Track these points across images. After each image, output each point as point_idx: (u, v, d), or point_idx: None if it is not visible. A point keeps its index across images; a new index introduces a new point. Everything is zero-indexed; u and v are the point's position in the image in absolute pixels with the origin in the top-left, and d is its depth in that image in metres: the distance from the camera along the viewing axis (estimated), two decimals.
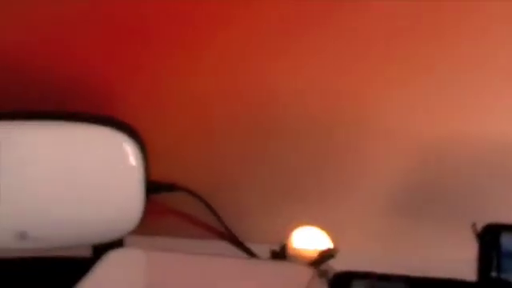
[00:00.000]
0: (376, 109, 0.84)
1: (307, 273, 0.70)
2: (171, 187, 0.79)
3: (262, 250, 0.80)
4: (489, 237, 0.73)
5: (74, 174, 0.74)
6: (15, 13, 0.85)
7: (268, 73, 0.84)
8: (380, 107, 0.84)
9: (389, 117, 0.84)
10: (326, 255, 0.78)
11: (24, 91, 0.86)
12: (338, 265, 0.77)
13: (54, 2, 0.83)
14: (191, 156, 0.88)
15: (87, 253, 0.78)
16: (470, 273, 0.72)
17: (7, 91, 0.86)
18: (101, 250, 0.75)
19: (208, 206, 0.80)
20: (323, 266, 0.77)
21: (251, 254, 0.81)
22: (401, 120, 0.84)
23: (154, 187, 0.77)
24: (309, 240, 0.81)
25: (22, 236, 0.74)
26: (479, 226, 0.72)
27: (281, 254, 0.79)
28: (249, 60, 0.83)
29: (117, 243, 0.76)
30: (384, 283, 0.74)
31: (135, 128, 0.75)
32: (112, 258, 0.70)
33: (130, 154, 0.75)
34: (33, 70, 0.87)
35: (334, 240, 0.80)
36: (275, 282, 0.69)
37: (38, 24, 0.84)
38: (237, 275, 0.69)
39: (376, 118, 0.84)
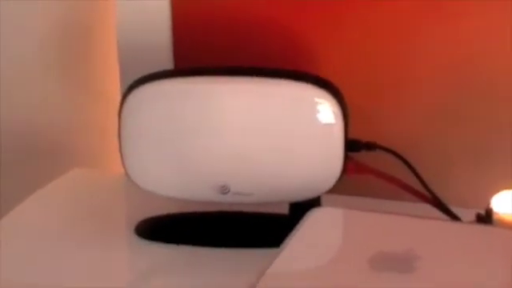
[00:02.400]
0: None
1: None
2: (371, 146, 0.78)
3: (468, 214, 0.79)
4: None
5: (275, 132, 0.76)
6: None
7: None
8: None
9: None
10: None
11: (233, 48, 0.91)
12: None
13: None
14: (390, 115, 0.88)
15: (282, 210, 0.80)
16: None
17: (219, 48, 0.91)
18: (297, 207, 0.77)
19: (410, 166, 0.79)
20: None
21: (455, 217, 0.80)
22: None
23: (353, 145, 0.77)
24: None
25: (224, 190, 0.77)
26: None
27: (487, 218, 0.78)
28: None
29: (314, 202, 0.77)
30: None
31: (337, 87, 0.76)
32: (315, 216, 0.71)
33: (332, 111, 0.75)
34: (245, 28, 0.90)
35: None
36: (479, 245, 0.69)
37: None
38: (438, 237, 0.69)
39: None
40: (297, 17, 0.90)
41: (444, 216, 0.80)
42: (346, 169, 0.76)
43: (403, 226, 0.68)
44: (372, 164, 0.79)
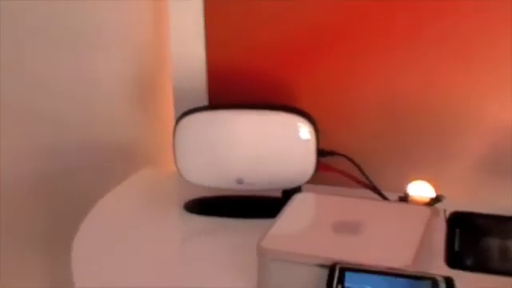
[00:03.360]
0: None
1: (426, 211, 0.82)
2: (332, 153, 0.96)
3: (393, 196, 0.93)
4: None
5: (273, 144, 0.92)
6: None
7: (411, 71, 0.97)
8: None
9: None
10: (435, 200, 0.92)
11: (244, 91, 1.04)
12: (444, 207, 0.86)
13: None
14: (344, 132, 1.01)
15: (277, 194, 0.96)
16: None
17: (236, 91, 1.04)
18: (287, 193, 0.94)
19: (356, 165, 0.96)
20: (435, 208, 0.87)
21: (385, 198, 0.95)
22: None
23: (321, 153, 0.95)
24: (421, 190, 0.95)
25: (240, 181, 0.95)
26: None
27: (405, 199, 0.93)
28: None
29: (297, 189, 0.95)
30: (498, 220, 0.80)
31: (311, 115, 0.94)
32: (298, 198, 0.87)
33: (308, 131, 0.92)
34: (252, 78, 1.03)
35: (438, 191, 0.93)
36: (400, 215, 0.81)
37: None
38: (375, 211, 0.82)
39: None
40: (283, 69, 1.02)
41: (378, 197, 0.95)
42: (317, 168, 0.94)
43: (354, 204, 0.85)
44: (333, 164, 0.96)
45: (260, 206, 0.97)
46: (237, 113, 0.95)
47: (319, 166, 0.95)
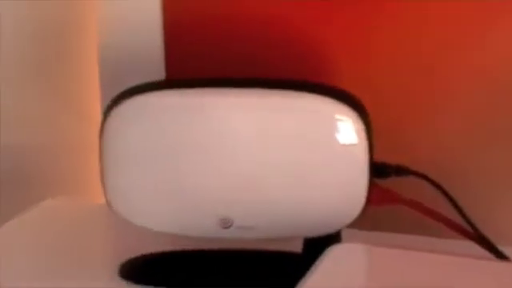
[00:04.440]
0: None
1: None
2: (402, 170, 0.71)
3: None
4: None
5: (287, 154, 0.69)
6: None
7: None
8: None
9: None
10: None
11: (237, 56, 0.87)
12: None
13: None
14: (421, 136, 0.83)
15: (295, 247, 0.75)
16: None
17: (220, 56, 0.88)
18: (313, 244, 0.71)
19: (447, 195, 0.71)
20: None
21: (502, 256, 0.73)
22: None
23: (380, 170, 0.70)
24: None
25: (226, 224, 0.71)
26: None
27: None
28: None
29: (333, 237, 0.70)
30: None
31: (361, 101, 0.69)
32: (335, 254, 0.66)
33: (354, 129, 0.68)
34: (251, 32, 0.87)
35: None
36: None
37: None
38: (482, 280, 0.63)
39: None
40: (313, 18, 0.85)
41: (489, 255, 0.74)
42: (371, 198, 0.70)
43: (440, 267, 0.65)
44: (403, 193, 0.72)
45: (262, 269, 0.76)
46: (218, 95, 0.67)
47: (375, 193, 0.69)
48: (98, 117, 0.76)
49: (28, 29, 0.99)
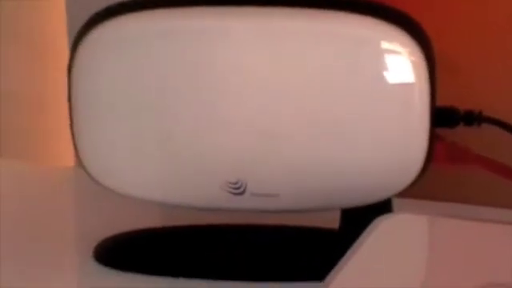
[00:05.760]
0: None
1: None
2: (475, 117, 0.63)
3: None
4: None
5: (316, 94, 0.61)
6: None
7: None
8: None
9: None
10: None
11: None
12: None
13: None
14: (498, 72, 0.75)
15: (329, 223, 0.67)
16: None
17: None
18: (354, 217, 0.64)
19: None
20: None
21: None
22: None
23: (446, 116, 0.62)
24: None
25: (237, 190, 0.63)
26: None
27: None
28: None
29: (382, 208, 0.62)
30: None
31: (421, 26, 0.61)
32: (385, 227, 0.59)
33: (412, 63, 0.59)
34: None
35: None
36: None
37: None
38: None
39: None
40: None
41: None
42: (432, 154, 0.61)
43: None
44: (475, 148, 0.65)
45: (286, 251, 0.68)
46: (227, 15, 0.60)
47: (439, 149, 0.63)
48: (65, 56, 0.67)
49: None
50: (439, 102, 0.61)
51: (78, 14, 0.68)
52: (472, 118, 0.63)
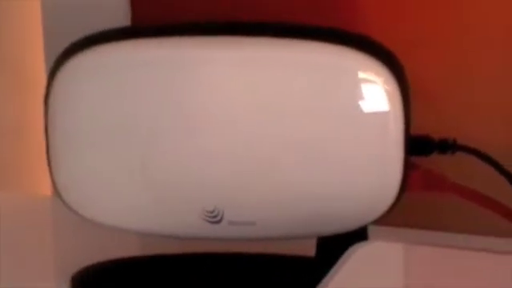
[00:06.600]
0: None
1: None
2: (449, 145, 0.64)
3: None
4: None
5: (294, 123, 0.62)
6: None
7: None
8: None
9: None
10: None
11: None
12: None
13: None
14: (473, 101, 0.77)
15: (305, 250, 0.68)
16: None
17: None
18: (329, 245, 0.65)
19: (509, 176, 0.65)
20: None
21: None
22: None
23: (420, 145, 0.63)
24: None
25: (214, 219, 0.63)
26: None
27: None
28: None
29: (356, 236, 0.64)
30: None
31: (395, 56, 0.62)
32: (361, 254, 0.60)
33: (386, 92, 0.60)
34: None
35: None
36: None
37: None
38: None
39: None
40: None
41: None
42: (408, 182, 0.62)
43: (496, 269, 0.61)
44: (449, 175, 0.65)
45: (262, 279, 0.69)
46: (206, 45, 0.61)
47: (414, 176, 0.64)
48: (42, 78, 0.69)
49: None
50: (414, 131, 0.62)
51: (56, 43, 0.68)
52: (446, 147, 0.64)
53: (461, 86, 0.79)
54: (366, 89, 0.61)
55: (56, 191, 0.64)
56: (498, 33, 0.78)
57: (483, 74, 0.78)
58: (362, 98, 0.61)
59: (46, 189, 0.76)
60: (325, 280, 0.57)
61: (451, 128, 0.70)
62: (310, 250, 0.66)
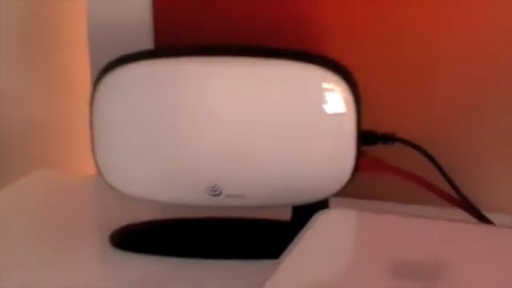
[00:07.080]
0: None
1: None
2: (389, 138, 0.73)
3: (504, 220, 0.74)
4: None
5: (274, 123, 0.73)
6: None
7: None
8: None
9: None
10: None
11: (225, 24, 0.89)
12: None
13: None
14: (410, 103, 0.84)
15: (283, 215, 0.77)
16: None
17: (209, 24, 0.88)
18: (301, 212, 0.73)
19: (435, 162, 0.73)
20: None
21: (488, 222, 0.75)
22: None
23: (367, 138, 0.73)
24: None
25: (215, 192, 0.73)
26: None
27: None
28: None
29: (321, 205, 0.73)
30: None
31: (348, 69, 0.72)
32: (323, 220, 0.67)
33: (342, 98, 0.72)
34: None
35: None
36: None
37: None
38: (468, 242, 0.66)
39: None
40: None
41: (473, 220, 0.75)
42: (359, 166, 0.71)
43: (427, 230, 0.62)
44: (390, 161, 0.74)
45: (251, 236, 0.76)
46: (205, 63, 0.70)
47: (363, 161, 0.70)
48: (88, 87, 0.77)
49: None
50: (363, 127, 0.72)
51: (98, 60, 0.79)
52: (387, 139, 0.74)
53: (400, 92, 0.87)
54: (327, 96, 0.71)
55: (98, 172, 0.75)
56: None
57: (418, 83, 0.86)
58: (325, 102, 0.70)
59: (91, 170, 0.83)
60: (296, 237, 0.66)
61: (392, 125, 0.77)
62: (286, 215, 0.77)
